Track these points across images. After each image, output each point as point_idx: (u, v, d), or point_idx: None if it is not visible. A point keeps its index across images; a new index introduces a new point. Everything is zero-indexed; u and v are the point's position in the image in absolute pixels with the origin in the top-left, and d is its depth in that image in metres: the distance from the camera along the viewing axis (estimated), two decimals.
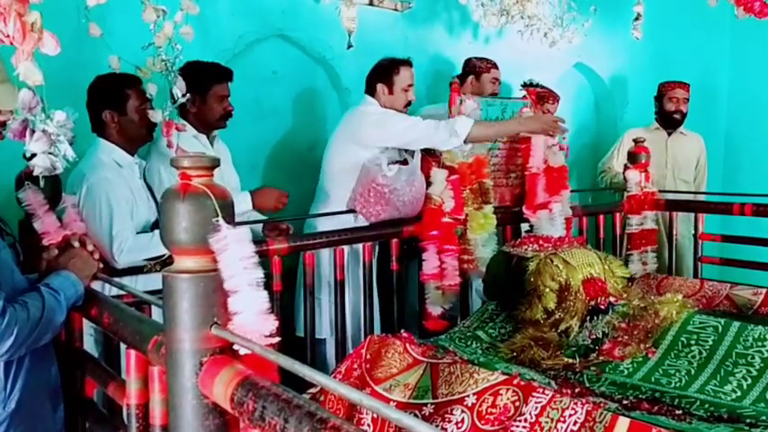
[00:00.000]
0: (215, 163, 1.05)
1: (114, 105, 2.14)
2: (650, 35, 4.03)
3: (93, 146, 2.20)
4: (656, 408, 1.74)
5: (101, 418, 1.63)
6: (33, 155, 1.35)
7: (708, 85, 5.08)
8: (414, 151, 2.77)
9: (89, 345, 1.91)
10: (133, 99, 2.14)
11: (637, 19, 3.51)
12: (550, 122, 2.81)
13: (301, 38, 3.25)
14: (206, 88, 2.51)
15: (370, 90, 2.81)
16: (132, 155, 2.24)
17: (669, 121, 3.82)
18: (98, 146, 2.18)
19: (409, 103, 2.84)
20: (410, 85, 2.82)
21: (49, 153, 1.33)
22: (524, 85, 3.07)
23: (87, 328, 1.77)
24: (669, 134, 3.86)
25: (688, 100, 3.82)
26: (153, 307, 1.76)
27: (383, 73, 2.81)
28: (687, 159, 3.88)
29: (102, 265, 1.61)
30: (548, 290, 2.25)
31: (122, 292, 1.71)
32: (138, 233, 2.08)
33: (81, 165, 2.13)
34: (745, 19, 3.08)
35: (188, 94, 2.15)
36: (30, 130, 1.32)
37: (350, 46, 2.88)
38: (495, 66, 3.40)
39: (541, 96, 3.48)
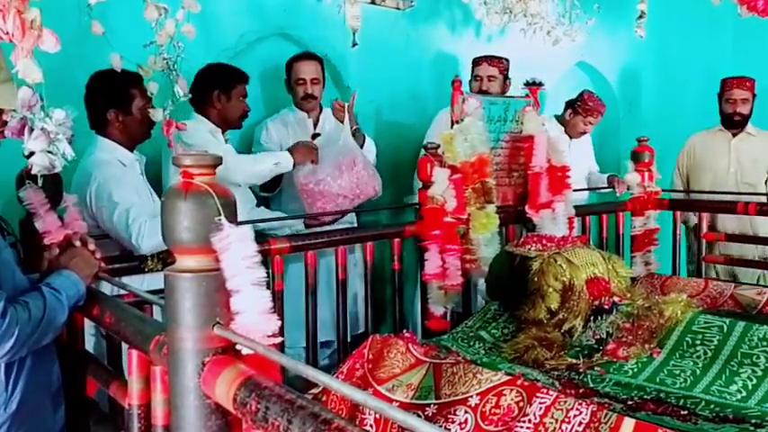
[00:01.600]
0: (217, 161, 1.03)
1: (120, 104, 2.13)
2: (653, 34, 4.01)
3: (93, 144, 2.18)
4: (661, 408, 1.73)
5: (102, 419, 1.62)
6: (32, 153, 1.34)
7: (711, 83, 5.06)
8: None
9: (90, 345, 1.91)
10: (138, 98, 2.14)
11: (640, 17, 3.50)
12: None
13: (303, 36, 3.24)
14: (231, 86, 2.64)
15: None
16: (132, 151, 2.24)
17: (729, 122, 3.61)
18: (99, 144, 2.17)
19: (307, 96, 2.99)
20: (302, 79, 2.98)
21: (48, 152, 1.32)
22: (527, 84, 3.05)
23: (89, 327, 1.76)
24: (734, 135, 3.62)
25: (749, 99, 3.56)
26: (154, 307, 1.76)
27: (285, 70, 3.04)
28: (753, 161, 3.59)
29: (103, 265, 1.59)
30: (551, 290, 2.24)
31: (124, 292, 1.71)
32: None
33: (83, 163, 2.13)
34: (748, 18, 3.06)
35: (189, 94, 2.15)
36: (28, 129, 1.31)
37: (354, 44, 2.88)
38: (487, 60, 3.33)
39: (588, 109, 3.54)
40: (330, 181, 2.68)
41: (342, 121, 2.84)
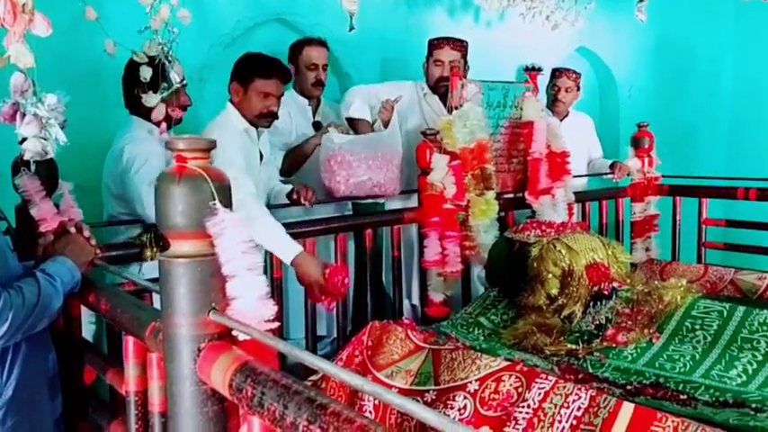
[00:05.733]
0: (211, 145, 1.02)
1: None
2: (654, 18, 3.98)
3: (126, 124, 2.27)
4: (660, 393, 1.73)
5: (100, 406, 1.62)
6: (25, 139, 1.32)
7: (712, 68, 5.04)
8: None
9: (90, 333, 1.90)
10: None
11: (641, 1, 3.46)
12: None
13: (300, 22, 3.21)
14: (247, 80, 2.34)
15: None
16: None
17: None
18: (132, 123, 2.25)
19: (318, 82, 2.90)
20: (314, 65, 2.87)
21: (40, 137, 1.30)
22: (526, 69, 3.03)
23: (87, 315, 1.75)
24: None
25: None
26: (153, 294, 1.75)
27: (289, 54, 2.90)
28: None
29: (99, 252, 1.58)
30: (550, 275, 2.23)
31: (123, 280, 1.70)
32: None
33: (117, 143, 2.22)
34: (749, 2, 3.04)
35: (184, 80, 2.12)
36: (20, 114, 1.29)
37: (352, 28, 2.84)
38: (449, 43, 3.00)
39: (552, 74, 3.47)
40: (363, 160, 2.56)
41: (385, 122, 2.73)
